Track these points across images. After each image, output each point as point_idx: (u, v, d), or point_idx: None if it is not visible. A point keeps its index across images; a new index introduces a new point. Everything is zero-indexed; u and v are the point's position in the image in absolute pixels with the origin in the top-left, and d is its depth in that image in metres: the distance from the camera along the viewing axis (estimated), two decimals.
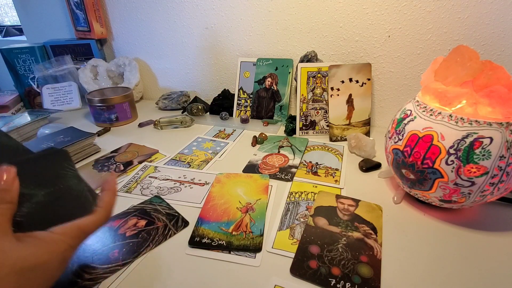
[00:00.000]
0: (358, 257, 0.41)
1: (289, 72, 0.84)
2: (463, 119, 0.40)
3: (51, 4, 1.08)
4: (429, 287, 0.37)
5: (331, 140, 0.76)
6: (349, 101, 0.75)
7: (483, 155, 0.39)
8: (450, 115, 0.41)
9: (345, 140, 0.76)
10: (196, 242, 0.44)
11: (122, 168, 0.64)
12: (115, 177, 0.40)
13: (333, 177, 0.60)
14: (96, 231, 0.33)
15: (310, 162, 0.66)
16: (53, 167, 0.34)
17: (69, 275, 0.39)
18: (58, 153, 0.35)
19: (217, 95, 0.93)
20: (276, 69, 0.85)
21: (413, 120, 0.46)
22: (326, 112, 0.78)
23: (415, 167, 0.45)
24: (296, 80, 0.81)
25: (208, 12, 0.89)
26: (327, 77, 0.77)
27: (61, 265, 0.30)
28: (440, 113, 0.43)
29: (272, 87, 0.86)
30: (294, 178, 0.60)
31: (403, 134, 0.47)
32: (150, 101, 1.09)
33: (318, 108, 0.78)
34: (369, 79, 0.75)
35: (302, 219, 0.49)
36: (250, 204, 0.52)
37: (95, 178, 0.60)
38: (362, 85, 0.75)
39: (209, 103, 0.94)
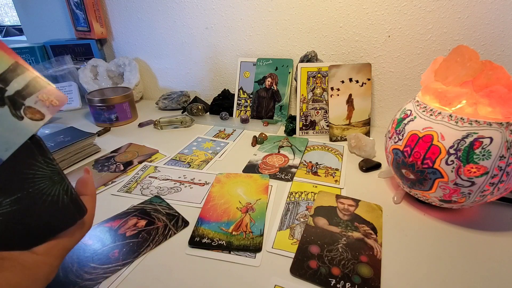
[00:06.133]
0: (358, 257, 0.41)
1: (289, 72, 0.84)
2: (463, 119, 0.40)
3: (51, 4, 1.08)
4: (429, 287, 0.37)
5: (331, 140, 0.76)
6: (349, 101, 0.75)
7: (483, 155, 0.39)
8: (450, 115, 0.41)
9: (345, 140, 0.76)
10: (196, 242, 0.44)
11: (122, 168, 0.64)
12: (91, 175, 0.34)
13: (333, 177, 0.60)
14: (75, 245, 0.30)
15: (310, 162, 0.66)
16: (16, 167, 0.26)
17: (69, 275, 0.39)
18: (22, 147, 0.26)
19: (217, 95, 0.93)
20: (276, 69, 0.85)
21: (413, 120, 0.46)
22: (326, 112, 0.78)
23: (415, 167, 0.45)
24: (296, 80, 0.81)
25: (208, 12, 0.89)
26: (327, 77, 0.77)
27: (43, 286, 0.27)
28: (440, 113, 0.43)
29: (272, 87, 0.86)
30: (294, 178, 0.60)
31: (403, 134, 0.47)
32: (150, 101, 1.09)
33: (318, 108, 0.78)
34: (369, 79, 0.75)
35: (302, 219, 0.49)
36: (250, 204, 0.52)
37: (95, 178, 0.60)
38: (362, 85, 0.75)
39: (209, 103, 0.94)
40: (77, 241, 0.30)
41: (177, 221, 0.48)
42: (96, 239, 0.45)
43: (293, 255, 0.42)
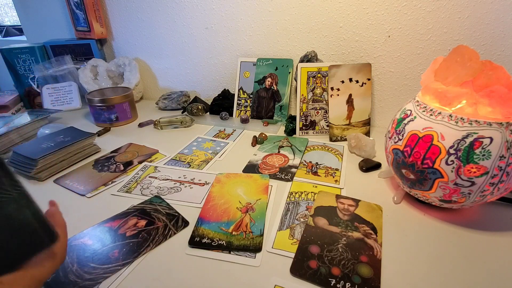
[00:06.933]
0: (358, 257, 0.41)
1: (289, 72, 0.84)
2: (463, 119, 0.40)
3: (51, 4, 1.08)
4: (429, 287, 0.37)
5: (331, 140, 0.76)
6: (349, 101, 0.75)
7: (483, 155, 0.39)
8: (450, 115, 0.41)
9: (345, 140, 0.76)
10: (196, 242, 0.44)
11: (122, 168, 0.64)
12: (57, 206, 0.33)
13: (333, 177, 0.60)
14: (50, 276, 0.28)
15: (310, 162, 0.66)
16: None
17: (69, 275, 0.39)
18: None
19: (217, 95, 0.93)
20: (276, 69, 0.85)
21: (413, 120, 0.46)
22: (326, 112, 0.78)
23: (415, 167, 0.45)
24: (296, 80, 0.81)
25: (208, 12, 0.89)
26: (327, 77, 0.77)
27: None
28: (440, 113, 0.43)
29: (272, 87, 0.86)
30: (294, 178, 0.60)
31: (403, 134, 0.47)
32: (150, 101, 1.09)
33: (318, 108, 0.78)
34: (369, 79, 0.75)
35: (302, 219, 0.49)
36: (250, 204, 0.52)
37: (95, 178, 0.60)
38: (362, 85, 0.75)
39: (209, 103, 0.94)
40: (48, 272, 0.28)
41: (177, 221, 0.48)
42: (96, 239, 0.45)
43: (293, 255, 0.42)
